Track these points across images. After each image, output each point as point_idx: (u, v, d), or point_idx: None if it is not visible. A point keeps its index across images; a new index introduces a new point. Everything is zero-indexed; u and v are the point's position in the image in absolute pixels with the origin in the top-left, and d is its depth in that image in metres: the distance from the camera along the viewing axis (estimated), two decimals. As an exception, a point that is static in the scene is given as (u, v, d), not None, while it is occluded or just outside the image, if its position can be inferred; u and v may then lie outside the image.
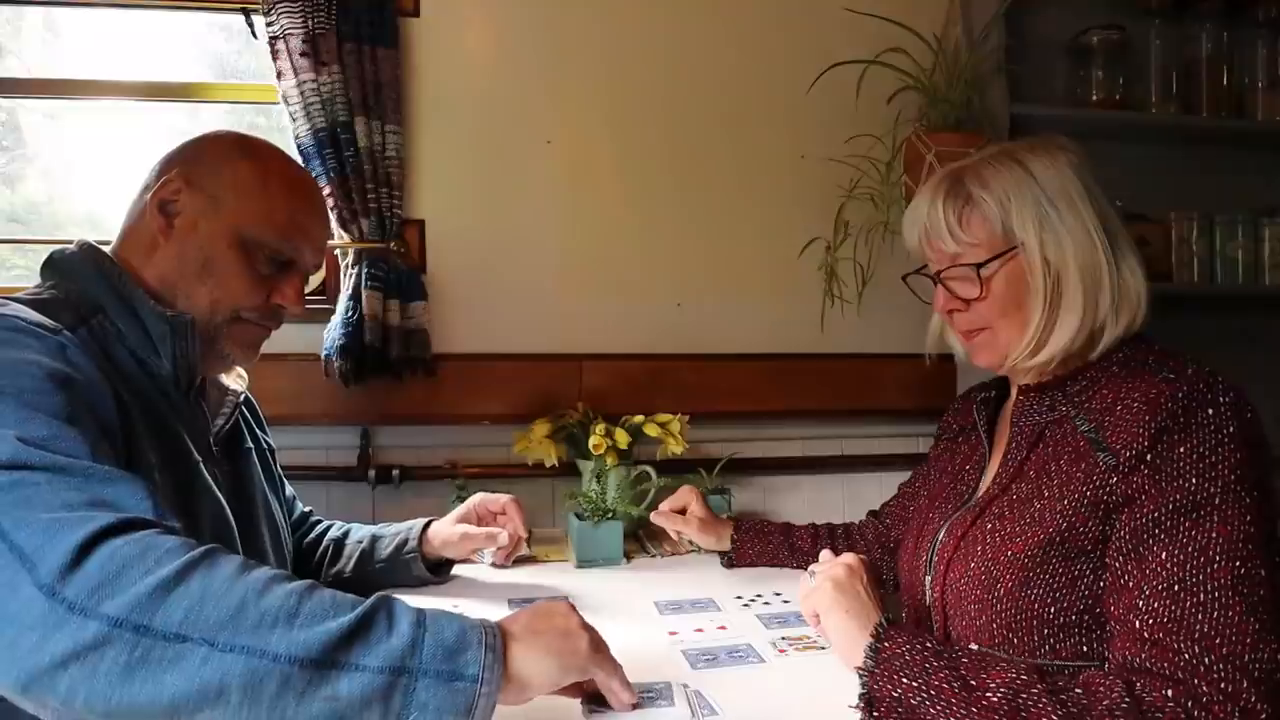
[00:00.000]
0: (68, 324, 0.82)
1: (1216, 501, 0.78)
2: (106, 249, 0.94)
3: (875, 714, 0.80)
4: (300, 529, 1.29)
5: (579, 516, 1.40)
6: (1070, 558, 0.85)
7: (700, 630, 1.05)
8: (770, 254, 1.84)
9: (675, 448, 1.62)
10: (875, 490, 1.80)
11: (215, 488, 0.93)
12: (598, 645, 0.75)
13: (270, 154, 0.98)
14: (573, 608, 0.77)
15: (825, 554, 1.03)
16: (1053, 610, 0.85)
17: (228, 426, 1.04)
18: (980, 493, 1.01)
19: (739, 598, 1.19)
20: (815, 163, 1.83)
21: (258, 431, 1.15)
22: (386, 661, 0.62)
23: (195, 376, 0.94)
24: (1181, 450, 0.80)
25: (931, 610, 0.99)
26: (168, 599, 0.59)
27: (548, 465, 1.61)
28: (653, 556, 1.46)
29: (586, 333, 1.78)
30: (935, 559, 1.00)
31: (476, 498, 1.31)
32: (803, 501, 1.89)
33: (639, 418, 1.62)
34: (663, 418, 1.64)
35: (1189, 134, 2.00)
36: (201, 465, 0.91)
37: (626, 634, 1.04)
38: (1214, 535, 0.77)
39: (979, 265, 0.95)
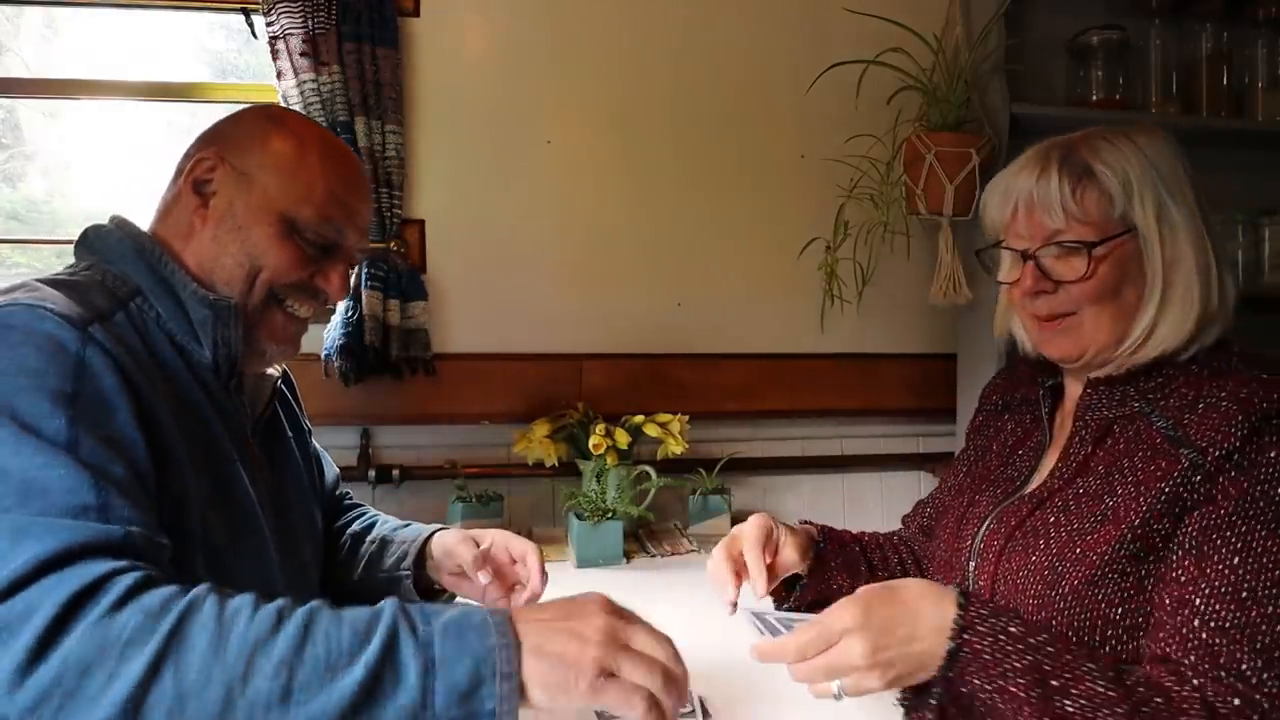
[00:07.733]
0: (104, 308, 0.77)
1: None
2: (140, 225, 0.88)
3: (933, 703, 0.76)
4: (330, 514, 1.21)
5: (579, 516, 1.40)
6: (1140, 557, 0.80)
7: (699, 630, 1.04)
8: (770, 254, 1.84)
9: (675, 448, 1.62)
10: (875, 490, 1.80)
11: (250, 486, 0.87)
12: (604, 669, 0.65)
13: (306, 128, 0.92)
14: (606, 608, 0.68)
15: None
16: (1120, 611, 0.80)
17: (267, 415, 0.98)
18: (1035, 484, 0.96)
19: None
20: (815, 163, 1.83)
21: (296, 411, 1.09)
22: None
23: (235, 366, 0.88)
24: (1273, 454, 0.76)
25: None
26: (141, 714, 0.55)
27: (548, 465, 1.61)
28: (653, 556, 1.46)
29: (586, 333, 1.78)
30: (981, 545, 0.94)
31: (498, 537, 1.09)
32: (802, 501, 1.89)
33: (639, 418, 1.62)
34: (663, 418, 1.64)
35: (1189, 134, 1.98)
36: (237, 465, 0.86)
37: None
38: None
39: (1092, 244, 0.86)
